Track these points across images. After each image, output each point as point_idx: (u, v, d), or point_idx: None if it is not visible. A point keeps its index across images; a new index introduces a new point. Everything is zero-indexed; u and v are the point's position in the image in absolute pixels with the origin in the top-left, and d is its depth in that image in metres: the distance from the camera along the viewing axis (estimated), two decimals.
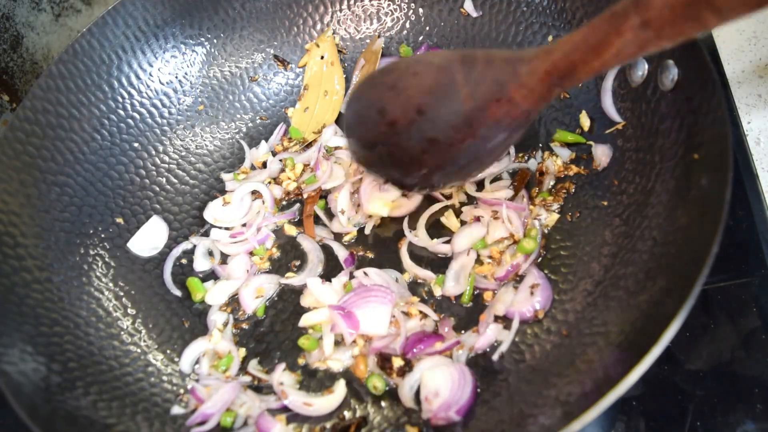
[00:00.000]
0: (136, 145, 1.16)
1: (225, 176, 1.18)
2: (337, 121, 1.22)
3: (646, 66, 0.92)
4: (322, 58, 1.26)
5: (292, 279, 1.03)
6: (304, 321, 0.98)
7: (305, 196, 1.13)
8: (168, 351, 0.99)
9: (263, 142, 1.21)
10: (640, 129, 0.92)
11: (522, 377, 0.84)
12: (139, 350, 0.98)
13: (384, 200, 1.05)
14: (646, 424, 0.83)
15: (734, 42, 1.19)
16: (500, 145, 0.80)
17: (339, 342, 0.95)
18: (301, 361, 0.95)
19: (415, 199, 1.06)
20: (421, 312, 0.94)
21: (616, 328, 0.77)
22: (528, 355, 0.86)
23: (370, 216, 1.06)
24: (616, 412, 0.85)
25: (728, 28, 1.19)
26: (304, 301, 1.01)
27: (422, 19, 1.24)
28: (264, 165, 1.19)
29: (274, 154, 1.21)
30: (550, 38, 1.08)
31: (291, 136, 1.21)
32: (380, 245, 1.05)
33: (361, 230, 1.07)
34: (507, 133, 0.78)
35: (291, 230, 1.10)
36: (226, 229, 1.11)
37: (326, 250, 1.06)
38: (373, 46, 1.23)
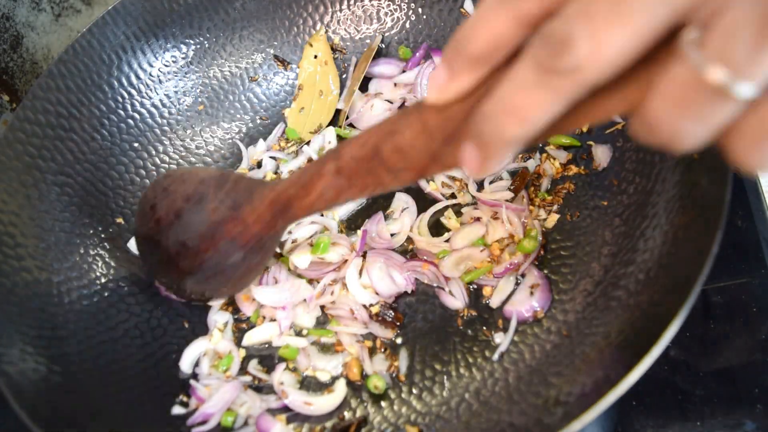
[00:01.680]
0: (136, 145, 1.16)
1: None
2: (333, 122, 1.21)
3: None
4: (315, 57, 1.25)
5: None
6: (247, 340, 0.98)
7: None
8: (168, 351, 0.99)
9: (261, 140, 1.21)
10: None
11: (522, 377, 0.84)
12: (139, 350, 0.98)
13: None
14: (646, 425, 0.83)
15: None
16: (240, 264, 0.87)
17: (326, 348, 0.96)
18: None
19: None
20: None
21: (616, 328, 0.77)
22: (528, 355, 0.86)
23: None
24: (616, 412, 0.86)
25: None
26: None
27: (422, 19, 1.24)
28: (259, 164, 1.19)
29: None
30: None
31: (288, 137, 1.21)
32: None
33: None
34: (243, 252, 0.85)
35: None
36: None
37: None
38: (372, 43, 1.23)
